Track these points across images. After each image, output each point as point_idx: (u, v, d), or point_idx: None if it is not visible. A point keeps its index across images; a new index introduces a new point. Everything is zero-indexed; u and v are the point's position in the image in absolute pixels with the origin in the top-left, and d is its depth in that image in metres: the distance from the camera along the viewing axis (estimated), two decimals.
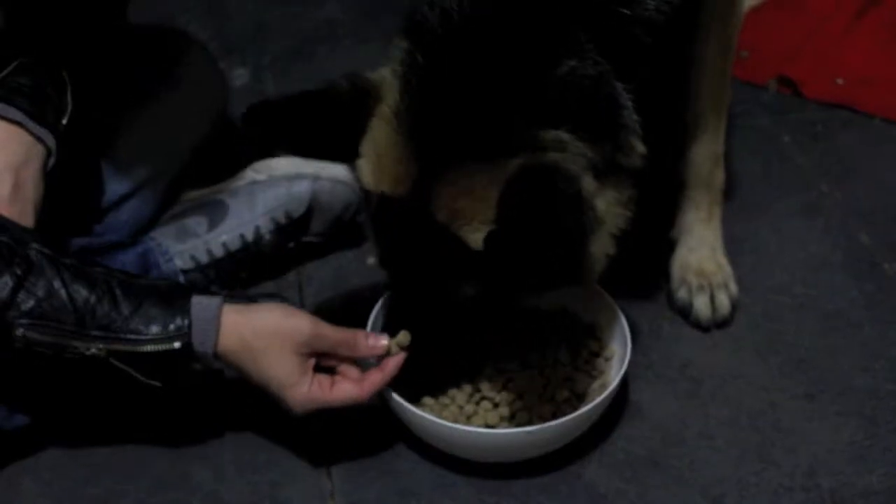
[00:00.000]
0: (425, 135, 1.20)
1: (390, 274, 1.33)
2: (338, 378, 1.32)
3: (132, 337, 1.26)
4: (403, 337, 1.32)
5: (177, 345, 1.27)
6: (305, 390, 1.29)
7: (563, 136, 1.19)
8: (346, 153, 1.27)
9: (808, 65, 2.02)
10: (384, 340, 1.32)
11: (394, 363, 1.32)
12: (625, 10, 1.21)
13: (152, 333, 1.27)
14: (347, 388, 1.31)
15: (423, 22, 1.22)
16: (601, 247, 1.26)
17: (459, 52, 1.20)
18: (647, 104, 1.27)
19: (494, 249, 1.18)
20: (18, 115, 1.36)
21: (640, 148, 1.25)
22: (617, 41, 1.22)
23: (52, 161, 1.39)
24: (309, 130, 1.28)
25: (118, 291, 1.27)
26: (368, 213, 1.30)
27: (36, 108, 1.37)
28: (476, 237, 1.19)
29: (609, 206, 1.24)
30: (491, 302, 1.28)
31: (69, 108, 1.41)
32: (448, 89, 1.20)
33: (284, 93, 1.30)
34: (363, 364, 1.34)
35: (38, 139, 1.37)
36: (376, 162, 1.24)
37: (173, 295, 1.29)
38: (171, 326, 1.27)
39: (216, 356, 1.29)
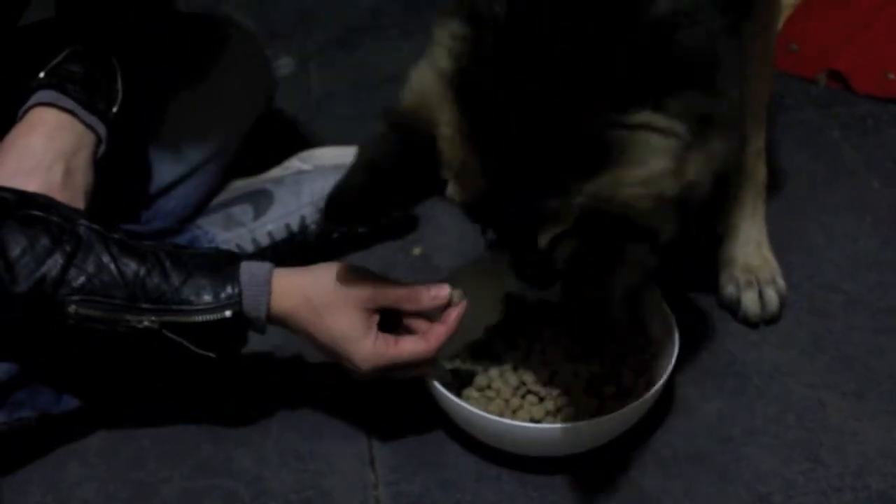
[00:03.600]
0: (492, 153, 1.11)
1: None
2: (402, 335, 1.30)
3: (184, 308, 1.27)
4: (458, 294, 1.31)
5: (228, 313, 1.27)
6: (371, 345, 1.27)
7: (651, 118, 1.06)
8: (434, 187, 1.18)
9: (857, 59, 1.99)
10: (446, 290, 1.30)
11: (456, 314, 1.30)
12: None
13: (203, 303, 1.27)
14: (413, 342, 1.29)
15: (477, 5, 1.09)
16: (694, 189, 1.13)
17: (520, 35, 1.06)
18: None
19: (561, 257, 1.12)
20: (70, 104, 1.37)
21: (735, 92, 1.14)
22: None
23: (102, 149, 1.40)
24: (386, 195, 1.21)
25: (167, 263, 1.28)
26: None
27: (87, 96, 1.38)
28: (543, 238, 1.13)
29: (707, 161, 1.12)
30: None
31: (119, 96, 1.42)
32: (516, 87, 1.07)
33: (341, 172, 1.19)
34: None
35: (89, 127, 1.38)
36: (459, 180, 1.16)
37: (222, 263, 1.29)
38: (222, 295, 1.27)
39: (271, 320, 1.29)
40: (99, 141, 1.39)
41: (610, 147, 1.06)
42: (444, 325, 1.30)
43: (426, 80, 1.15)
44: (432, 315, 1.31)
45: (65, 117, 1.37)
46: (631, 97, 1.06)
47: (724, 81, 1.12)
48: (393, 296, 1.30)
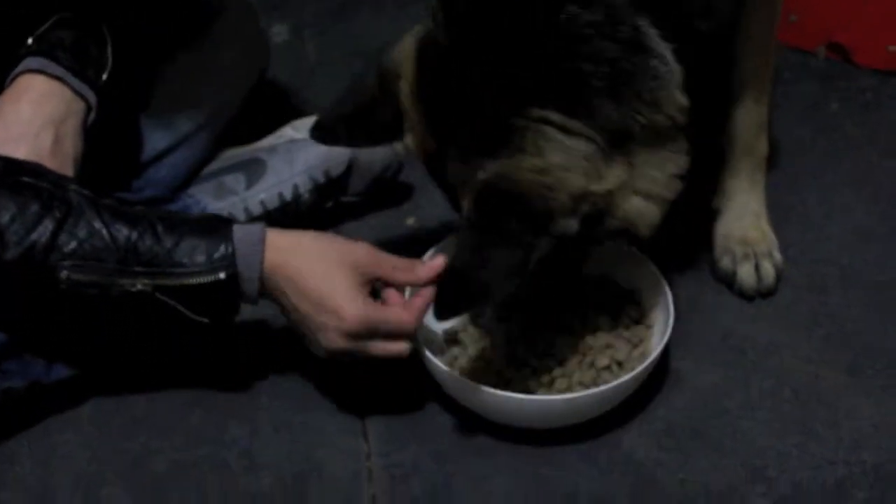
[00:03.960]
0: (431, 111, 1.24)
1: None
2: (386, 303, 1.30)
3: (177, 270, 1.25)
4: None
5: (222, 275, 1.25)
6: (362, 302, 1.26)
7: (553, 116, 1.16)
8: (396, 133, 1.32)
9: (858, 31, 1.97)
10: (440, 260, 1.29)
11: (431, 288, 1.29)
12: None
13: (197, 264, 1.25)
14: (398, 310, 1.28)
15: None
16: (638, 203, 1.23)
17: (469, 8, 1.19)
18: (698, 64, 1.23)
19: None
20: (59, 71, 1.35)
21: (681, 100, 1.21)
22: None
23: (92, 116, 1.39)
24: (364, 128, 1.37)
25: (159, 227, 1.27)
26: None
27: (77, 63, 1.36)
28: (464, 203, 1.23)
29: (638, 173, 1.21)
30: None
31: (110, 63, 1.40)
32: (451, 62, 1.20)
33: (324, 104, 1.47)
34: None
35: (79, 94, 1.37)
36: (412, 133, 1.28)
37: (215, 225, 1.29)
38: (216, 255, 1.25)
39: (264, 281, 1.27)
40: (89, 108, 1.38)
41: (512, 133, 1.16)
42: (421, 297, 1.29)
43: (406, 43, 1.27)
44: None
45: (54, 84, 1.35)
46: (541, 98, 1.16)
47: (660, 94, 1.17)
48: (387, 262, 1.29)
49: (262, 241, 1.27)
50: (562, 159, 1.17)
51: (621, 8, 1.15)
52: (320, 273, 1.26)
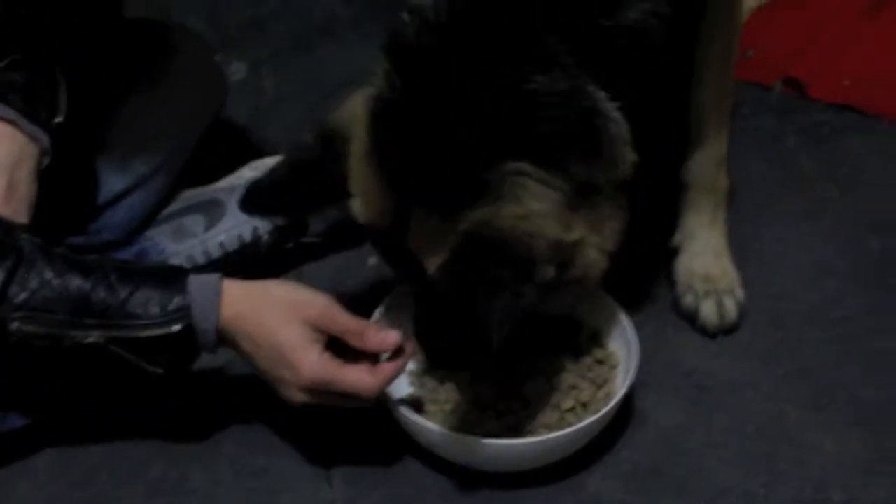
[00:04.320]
0: (393, 173, 1.21)
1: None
2: (350, 363, 1.27)
3: (131, 322, 1.24)
4: (410, 345, 1.29)
5: (177, 327, 1.24)
6: (317, 357, 1.24)
7: (526, 167, 1.17)
8: (341, 198, 1.30)
9: (814, 65, 1.99)
10: (395, 337, 1.28)
11: (407, 356, 1.29)
12: (603, 21, 1.19)
13: (151, 316, 1.24)
14: (359, 372, 1.26)
15: (401, 36, 1.21)
16: (593, 254, 1.26)
17: (427, 72, 1.19)
18: (648, 109, 1.25)
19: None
20: (11, 114, 1.33)
21: (631, 157, 1.24)
22: (597, 51, 1.20)
23: (46, 160, 1.36)
24: (301, 195, 1.35)
25: (113, 276, 1.25)
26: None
27: (29, 106, 1.34)
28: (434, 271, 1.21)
29: (592, 224, 1.24)
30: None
31: (63, 106, 1.38)
32: (412, 121, 1.19)
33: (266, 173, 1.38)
34: None
35: (33, 138, 1.34)
36: (363, 198, 1.26)
37: (170, 275, 1.27)
38: (170, 307, 1.24)
39: (220, 333, 1.26)
40: (43, 152, 1.35)
41: (488, 184, 1.17)
42: (393, 364, 1.29)
43: (354, 103, 1.27)
44: None
45: (6, 127, 1.32)
46: (515, 153, 1.18)
47: (615, 153, 1.22)
48: (341, 323, 1.28)
49: (219, 292, 1.25)
50: (539, 207, 1.18)
51: (578, 77, 1.19)
52: (276, 326, 1.25)
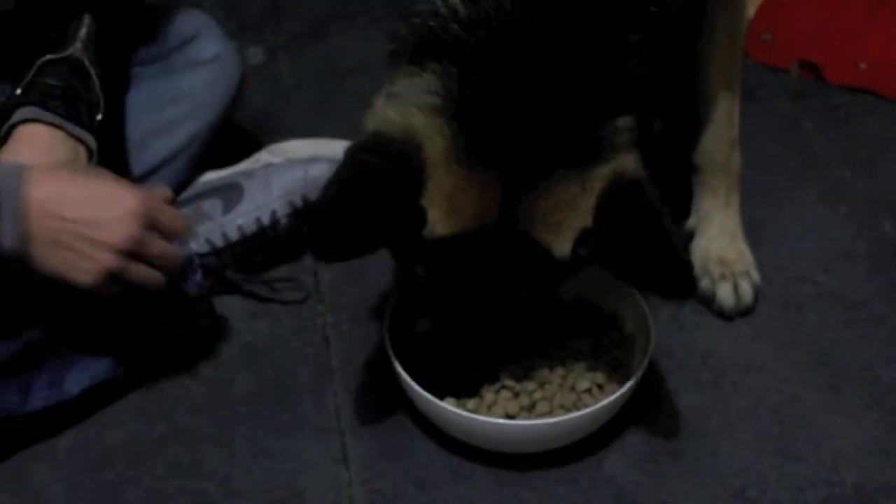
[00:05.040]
0: (500, 160, 1.17)
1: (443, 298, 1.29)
2: None
3: None
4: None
5: None
6: (141, 195, 1.27)
7: (627, 121, 1.20)
8: (411, 218, 1.19)
9: (830, 49, 1.99)
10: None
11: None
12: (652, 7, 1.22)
13: None
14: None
15: (442, 37, 1.18)
16: None
17: (509, 60, 1.17)
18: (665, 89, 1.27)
19: (589, 256, 1.20)
20: (57, 119, 1.34)
21: (658, 124, 1.30)
22: (649, 30, 1.21)
23: (94, 160, 1.38)
24: (366, 224, 1.18)
25: None
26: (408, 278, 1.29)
27: (71, 110, 1.36)
28: (564, 247, 1.20)
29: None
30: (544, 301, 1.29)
31: (101, 100, 1.39)
32: (513, 107, 1.16)
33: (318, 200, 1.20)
34: None
35: (80, 140, 1.36)
36: (448, 205, 1.18)
37: None
38: None
39: (29, 213, 1.22)
40: (90, 151, 1.37)
41: (603, 140, 1.18)
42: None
43: (407, 113, 1.18)
44: None
45: (56, 133, 1.34)
46: (617, 110, 1.20)
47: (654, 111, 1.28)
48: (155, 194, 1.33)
49: (21, 174, 1.23)
50: (636, 154, 1.21)
51: (637, 37, 1.21)
52: (90, 178, 1.29)
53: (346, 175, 1.16)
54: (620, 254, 1.19)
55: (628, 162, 1.20)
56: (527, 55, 1.17)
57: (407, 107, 1.19)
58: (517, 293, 1.24)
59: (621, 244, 1.18)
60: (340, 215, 1.17)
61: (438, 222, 1.18)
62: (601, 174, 1.18)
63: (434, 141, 1.17)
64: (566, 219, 1.19)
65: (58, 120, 1.34)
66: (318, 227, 1.19)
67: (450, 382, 1.35)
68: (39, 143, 1.33)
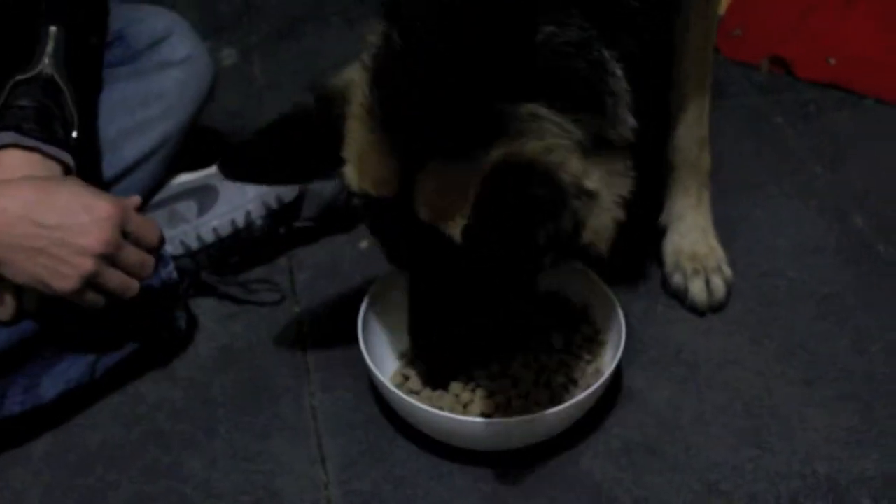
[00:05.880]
0: (400, 128, 1.15)
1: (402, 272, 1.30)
2: None
3: None
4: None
5: None
6: (114, 200, 1.29)
7: (541, 110, 1.13)
8: (333, 165, 1.23)
9: (800, 44, 2.01)
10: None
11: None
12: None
13: None
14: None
15: (397, 2, 1.18)
16: (605, 217, 1.21)
17: (431, 29, 1.13)
18: (636, 84, 1.24)
19: (472, 244, 1.11)
20: (31, 142, 1.34)
21: (631, 121, 1.21)
22: (604, 10, 1.18)
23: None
24: (290, 158, 1.26)
25: None
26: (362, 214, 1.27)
27: (46, 131, 1.36)
28: (455, 234, 1.14)
29: (604, 179, 1.19)
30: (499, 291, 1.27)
31: (75, 117, 1.39)
32: (418, 72, 1.13)
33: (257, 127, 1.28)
34: None
35: (57, 160, 1.36)
36: (358, 164, 1.20)
37: None
38: None
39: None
40: (67, 169, 1.37)
41: (509, 122, 1.13)
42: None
43: (348, 72, 1.23)
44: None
45: (31, 156, 1.34)
46: (530, 96, 1.14)
47: (617, 110, 1.19)
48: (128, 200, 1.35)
49: None
50: (561, 142, 1.14)
51: (588, 31, 1.17)
52: (62, 185, 1.29)
53: (285, 113, 1.26)
54: (499, 250, 1.09)
55: (528, 148, 1.12)
56: (437, 23, 1.12)
57: (357, 62, 1.22)
58: (441, 271, 1.21)
59: (496, 239, 1.08)
60: (263, 141, 1.27)
61: (352, 178, 1.21)
62: (491, 159, 1.11)
63: (357, 97, 1.20)
64: (452, 205, 1.14)
65: (34, 143, 1.34)
66: (238, 147, 1.30)
67: (423, 373, 1.35)
68: (17, 167, 1.33)
